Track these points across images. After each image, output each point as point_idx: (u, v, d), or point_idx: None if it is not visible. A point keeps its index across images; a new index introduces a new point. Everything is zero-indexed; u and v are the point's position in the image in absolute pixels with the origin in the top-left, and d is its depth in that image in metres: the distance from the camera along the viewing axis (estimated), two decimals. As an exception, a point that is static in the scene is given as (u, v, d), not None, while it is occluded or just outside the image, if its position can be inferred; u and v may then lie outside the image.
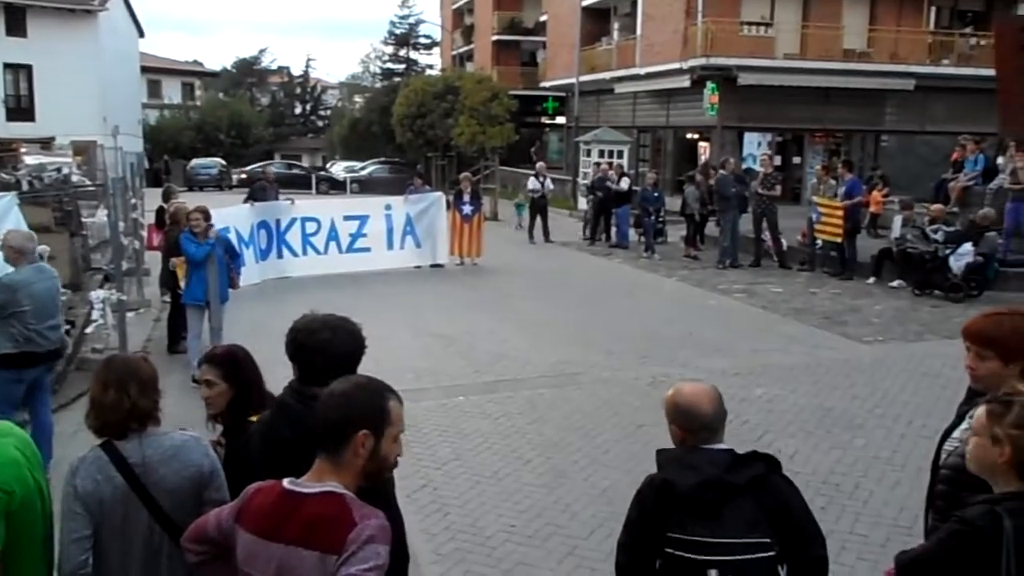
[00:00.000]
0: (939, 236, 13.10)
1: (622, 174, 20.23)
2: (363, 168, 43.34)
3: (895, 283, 13.67)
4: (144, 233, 13.18)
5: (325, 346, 2.93)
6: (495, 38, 48.30)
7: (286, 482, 2.37)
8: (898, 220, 15.26)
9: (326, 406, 2.39)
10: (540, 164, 21.57)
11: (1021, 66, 15.31)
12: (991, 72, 17.06)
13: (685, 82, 28.46)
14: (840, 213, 14.37)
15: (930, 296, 12.86)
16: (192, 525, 2.63)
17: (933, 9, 30.51)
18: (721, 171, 16.63)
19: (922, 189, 18.52)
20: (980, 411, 2.57)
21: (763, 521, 2.58)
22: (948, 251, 12.83)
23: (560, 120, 42.28)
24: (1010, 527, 2.36)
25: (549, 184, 20.63)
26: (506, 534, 5.46)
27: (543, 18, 43.49)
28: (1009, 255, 13.80)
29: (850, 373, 8.95)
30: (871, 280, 14.11)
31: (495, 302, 12.92)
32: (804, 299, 13.07)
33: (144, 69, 50.74)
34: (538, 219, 20.00)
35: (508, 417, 7.65)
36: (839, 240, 14.56)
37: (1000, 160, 15.75)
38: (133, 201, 13.04)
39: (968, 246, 12.76)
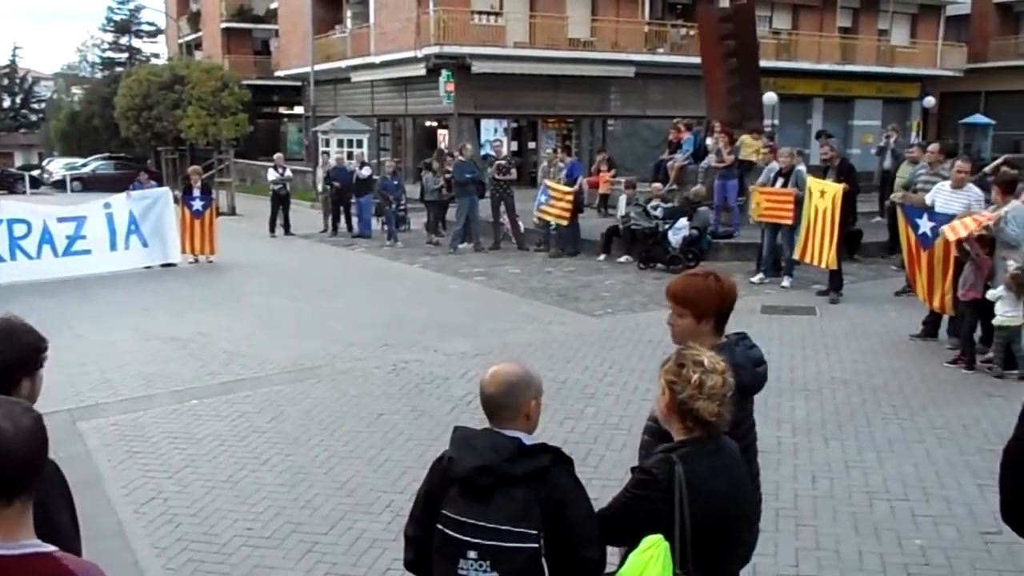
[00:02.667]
0: (658, 213, 14.03)
1: (362, 163, 20.08)
2: (85, 165, 40.22)
3: (623, 258, 14.50)
4: None
5: None
6: (224, 25, 46.37)
7: None
8: (623, 199, 16.20)
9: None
10: (278, 155, 20.97)
11: (722, 54, 16.70)
12: (699, 60, 18.50)
13: (421, 70, 28.70)
14: (569, 197, 15.01)
15: (653, 269, 13.74)
16: None
17: (648, 1, 32.55)
18: (459, 157, 16.88)
19: (646, 169, 19.79)
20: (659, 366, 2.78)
21: (534, 514, 2.56)
22: (667, 226, 13.77)
23: (299, 110, 41.33)
24: (681, 472, 2.56)
25: (288, 174, 20.08)
26: (243, 538, 5.25)
27: (274, 5, 42.26)
28: (720, 228, 15.04)
29: (582, 346, 9.39)
30: (601, 257, 14.88)
31: (231, 300, 12.41)
32: (540, 278, 13.56)
33: None
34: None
35: (245, 417, 7.36)
36: (564, 222, 15.21)
37: (709, 141, 17.10)
38: None
39: (684, 221, 13.75)
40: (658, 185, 15.25)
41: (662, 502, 2.57)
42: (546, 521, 2.56)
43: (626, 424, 6.95)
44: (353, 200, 19.05)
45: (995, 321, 8.07)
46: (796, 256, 11.73)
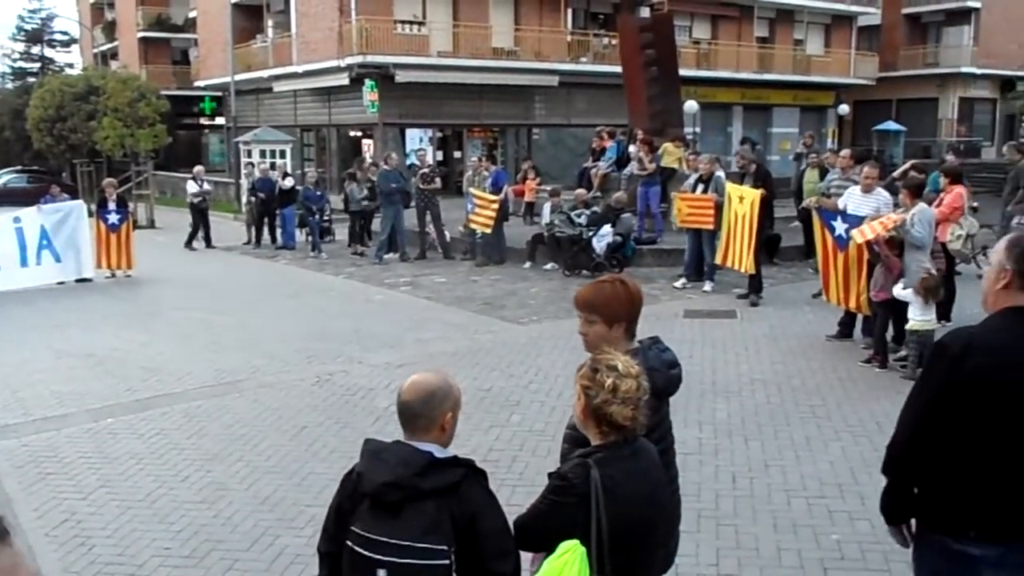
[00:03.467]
0: (582, 220, 14.15)
1: (285, 174, 19.82)
2: (-5, 178, 38.86)
3: (548, 266, 14.58)
4: None
5: None
6: (141, 35, 45.42)
7: None
8: (547, 207, 16.30)
9: None
10: (198, 168, 20.58)
11: (643, 63, 16.93)
12: (620, 69, 18.72)
13: (344, 80, 28.50)
14: (494, 205, 15.04)
15: (579, 276, 13.82)
16: None
17: (570, 11, 32.86)
18: (383, 166, 16.78)
19: (571, 177, 19.95)
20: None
21: (446, 528, 2.52)
22: (591, 233, 13.88)
23: (220, 121, 40.63)
24: (597, 476, 2.57)
25: (207, 187, 19.72)
26: (160, 559, 5.11)
27: (193, 14, 41.49)
28: (643, 234, 15.24)
29: (507, 354, 9.40)
30: (527, 265, 14.93)
31: (149, 314, 12.11)
32: (466, 287, 13.56)
33: None
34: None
35: (163, 434, 7.19)
36: (488, 230, 15.24)
37: (632, 148, 17.32)
38: None
39: (608, 228, 13.89)
40: (581, 191, 15.39)
41: (578, 507, 2.57)
42: (458, 535, 2.53)
43: (551, 431, 6.97)
44: (277, 211, 18.80)
45: (908, 325, 8.33)
46: (718, 261, 11.94)
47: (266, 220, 19.11)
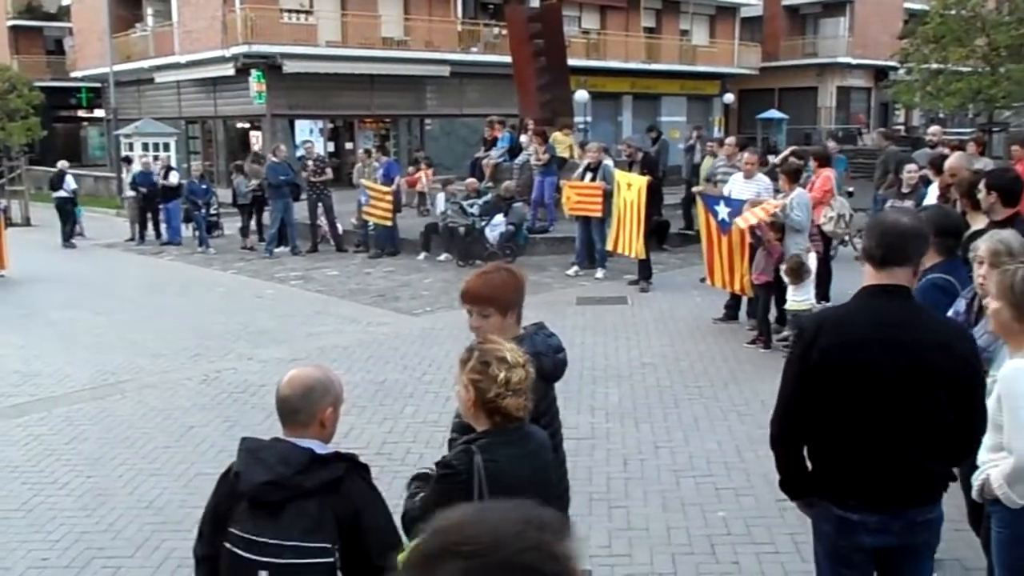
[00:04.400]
0: (475, 210, 14.15)
1: (168, 167, 19.18)
2: None
3: (442, 256, 14.53)
4: None
5: None
6: (11, 23, 43.26)
7: None
8: (441, 197, 16.26)
9: None
10: (62, 163, 19.77)
11: (532, 53, 17.01)
12: (510, 59, 18.76)
13: (229, 70, 27.76)
14: (389, 197, 14.92)
15: (472, 266, 13.78)
16: None
17: (460, 1, 32.76)
18: (271, 158, 16.43)
19: (464, 168, 19.92)
20: (459, 363, 2.78)
21: (329, 526, 2.49)
22: (484, 223, 13.91)
23: (100, 113, 39.09)
24: (480, 461, 2.59)
25: (71, 183, 18.90)
26: (37, 569, 4.91)
27: (67, 2, 39.73)
28: (536, 223, 15.34)
29: (401, 345, 9.35)
30: (421, 256, 14.85)
31: (25, 316, 11.56)
32: (359, 279, 13.41)
33: None
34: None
35: (40, 440, 6.89)
36: (388, 222, 15.12)
37: (523, 138, 17.41)
38: None
39: (500, 217, 13.94)
40: (472, 180, 15.38)
41: (463, 493, 2.56)
42: (342, 533, 2.50)
43: (445, 421, 6.89)
44: (161, 206, 18.20)
45: (786, 306, 8.63)
46: (608, 247, 12.12)
47: (149, 215, 18.48)
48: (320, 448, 2.60)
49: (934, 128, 13.67)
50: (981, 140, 12.71)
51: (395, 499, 5.53)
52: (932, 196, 8.07)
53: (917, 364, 2.87)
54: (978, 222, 5.33)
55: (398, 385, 7.98)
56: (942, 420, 2.90)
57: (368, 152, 17.68)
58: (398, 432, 6.83)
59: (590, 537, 5.02)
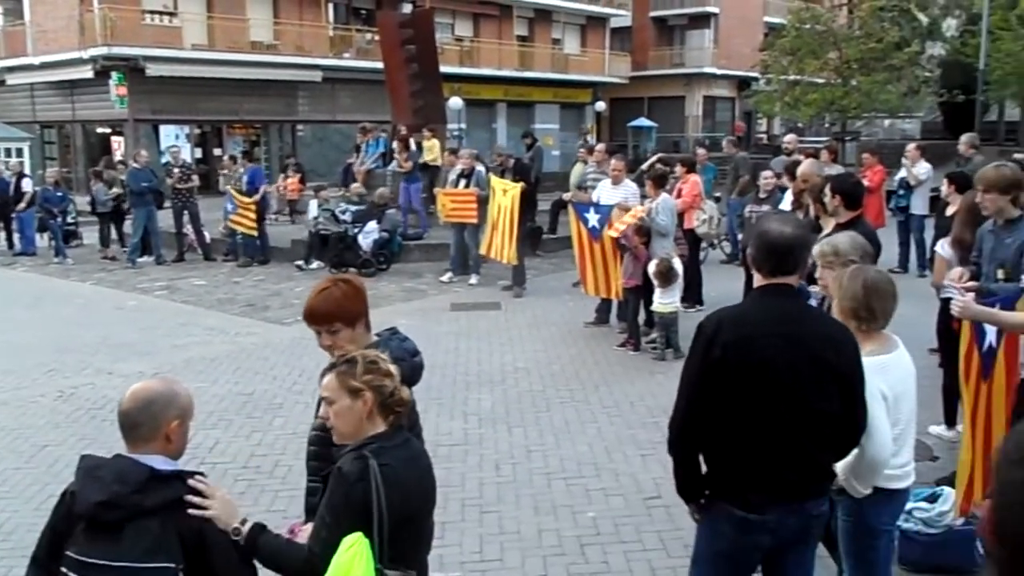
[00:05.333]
0: (347, 217, 13.97)
1: (20, 174, 18.18)
2: None
3: (314, 264, 14.26)
4: None
5: None
6: None
7: None
8: (313, 204, 15.98)
9: None
10: None
11: (404, 59, 16.89)
12: (383, 65, 18.57)
13: (88, 72, 26.62)
14: (252, 206, 14.59)
15: (346, 273, 13.63)
16: None
17: (331, 6, 32.38)
18: (133, 164, 15.79)
19: (337, 175, 19.65)
20: (328, 379, 2.73)
21: (172, 546, 2.37)
22: (356, 230, 13.74)
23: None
24: (375, 465, 2.54)
25: None
26: None
27: (-94, -2, 37.24)
28: (409, 230, 15.27)
29: (271, 356, 9.13)
30: (293, 264, 14.55)
31: None
32: (228, 289, 13.04)
33: None
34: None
35: None
36: (253, 233, 14.79)
37: (395, 144, 17.29)
38: None
39: (373, 224, 13.80)
40: (357, 185, 15.18)
41: (361, 501, 2.53)
42: (185, 552, 2.40)
43: (315, 431, 6.84)
44: (13, 215, 17.24)
45: (652, 308, 8.84)
46: (482, 251, 12.16)
47: (1, 224, 17.47)
48: (164, 464, 2.49)
49: (789, 136, 14.28)
50: (833, 148, 13.35)
51: (263, 512, 5.45)
52: (787, 201, 8.41)
53: (811, 359, 2.97)
54: (829, 225, 5.60)
55: (267, 396, 7.79)
56: (832, 414, 3.00)
57: (233, 159, 17.19)
58: (267, 445, 6.66)
59: (462, 543, 5.02)
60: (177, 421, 2.54)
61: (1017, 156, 9.76)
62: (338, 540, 2.48)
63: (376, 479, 2.54)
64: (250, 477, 6.09)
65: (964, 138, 11.81)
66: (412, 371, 3.24)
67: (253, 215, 14.57)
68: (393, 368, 2.71)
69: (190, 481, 2.55)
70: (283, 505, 5.59)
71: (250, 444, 6.69)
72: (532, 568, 4.78)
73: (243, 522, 2.61)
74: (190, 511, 2.46)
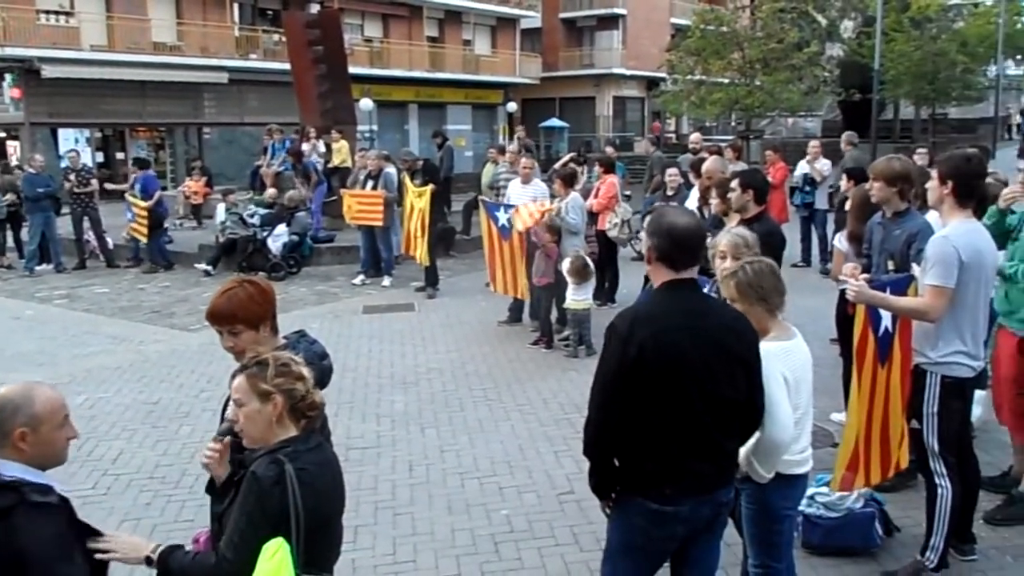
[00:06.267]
0: (256, 220, 13.71)
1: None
2: None
3: (211, 269, 13.86)
4: None
5: None
6: None
7: None
8: (220, 208, 15.64)
9: None
10: None
11: (311, 60, 16.66)
12: (290, 66, 18.28)
13: (-21, 74, 25.54)
14: (145, 212, 14.25)
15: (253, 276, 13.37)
16: None
17: (236, 6, 31.75)
18: (28, 169, 15.21)
19: (246, 178, 19.28)
20: (239, 381, 2.68)
21: None
22: (265, 233, 13.50)
23: None
24: (291, 470, 2.52)
25: None
26: None
27: None
28: (321, 232, 15.08)
29: (177, 363, 8.90)
30: (200, 269, 14.20)
31: None
32: (132, 296, 12.68)
33: None
34: None
35: None
36: (143, 239, 14.45)
37: (305, 146, 17.08)
38: None
39: (283, 227, 13.58)
40: (272, 191, 14.90)
41: (277, 506, 2.49)
42: (4, 570, 2.30)
43: (223, 439, 6.69)
44: None
45: (565, 305, 8.91)
46: (402, 251, 12.06)
47: None
48: (15, 472, 2.43)
49: (695, 135, 14.57)
50: (737, 146, 13.68)
51: (170, 523, 5.31)
52: (693, 198, 8.57)
53: (718, 349, 3.04)
54: (731, 220, 5.71)
55: (173, 404, 7.59)
56: (738, 401, 3.08)
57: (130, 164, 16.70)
58: (172, 454, 6.49)
59: (375, 547, 4.98)
60: (25, 429, 2.46)
61: (917, 156, 10.14)
62: (254, 546, 2.44)
63: (293, 483, 2.51)
64: (156, 488, 5.93)
65: (844, 136, 13.04)
66: (322, 374, 3.21)
67: (147, 220, 14.22)
68: (306, 371, 2.69)
69: (90, 544, 2.52)
70: (191, 515, 5.45)
71: (155, 454, 6.52)
72: (446, 568, 4.76)
73: (155, 549, 2.61)
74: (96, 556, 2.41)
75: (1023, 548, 4.75)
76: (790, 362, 3.41)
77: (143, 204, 14.27)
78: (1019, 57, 45.54)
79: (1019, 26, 37.74)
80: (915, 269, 4.47)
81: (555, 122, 41.67)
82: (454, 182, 17.37)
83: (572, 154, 16.97)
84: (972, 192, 4.30)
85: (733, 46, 32.19)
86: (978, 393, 5.22)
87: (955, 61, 33.97)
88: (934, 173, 4.37)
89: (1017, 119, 39.97)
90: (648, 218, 3.26)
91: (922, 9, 33.84)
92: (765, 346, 3.30)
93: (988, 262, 4.27)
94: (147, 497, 5.78)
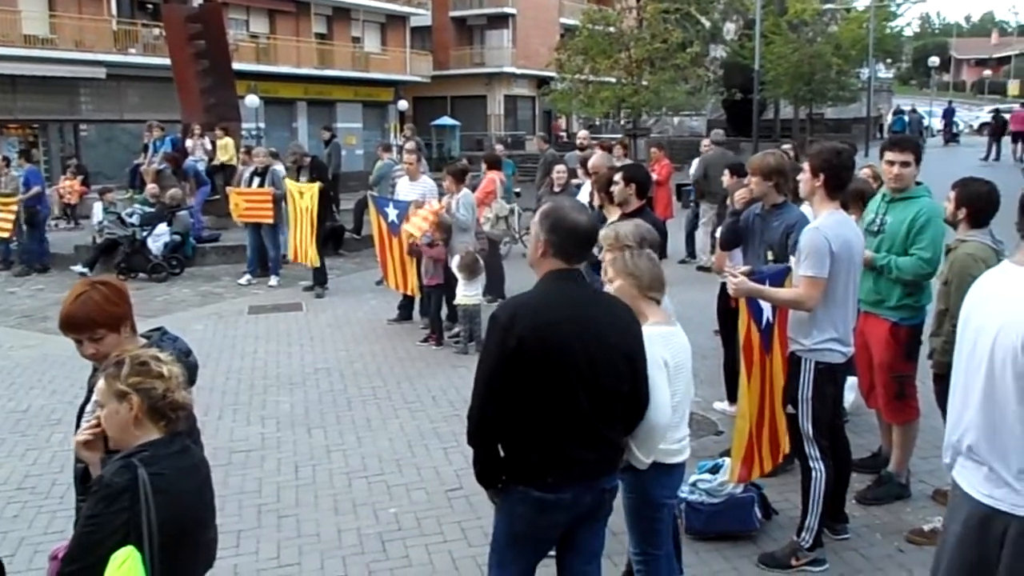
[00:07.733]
0: (135, 220, 13.23)
1: None
2: None
3: (84, 269, 13.30)
4: None
5: None
6: None
7: None
8: (98, 207, 15.08)
9: None
10: None
11: (193, 55, 16.24)
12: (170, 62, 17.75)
13: None
14: (12, 207, 13.60)
15: (135, 279, 12.90)
16: None
17: (114, -1, 30.60)
18: None
19: (125, 176, 18.59)
20: (100, 383, 2.56)
21: None
22: (146, 233, 13.04)
23: None
24: (145, 475, 2.40)
25: None
26: None
27: None
28: (205, 231, 14.66)
29: (49, 369, 8.51)
30: (76, 271, 13.60)
31: None
32: (2, 299, 12.08)
33: None
34: None
35: None
36: (6, 234, 13.81)
37: (188, 143, 16.59)
38: None
39: (164, 227, 13.14)
40: (153, 187, 14.37)
41: (128, 511, 2.36)
42: None
43: (99, 446, 6.42)
44: None
45: (456, 301, 8.88)
46: (290, 257, 11.80)
47: None
48: None
49: (583, 133, 14.77)
50: (623, 143, 13.90)
51: (39, 535, 5.08)
52: (584, 193, 8.65)
53: (601, 340, 3.05)
54: (612, 214, 5.79)
55: (44, 412, 7.25)
56: (621, 392, 3.11)
57: (7, 160, 15.89)
58: (43, 463, 6.20)
59: (259, 550, 4.86)
60: None
61: (785, 147, 10.48)
62: (100, 557, 2.32)
63: (146, 490, 2.39)
64: (24, 499, 5.66)
65: (712, 133, 14.13)
66: (189, 372, 3.10)
67: (12, 216, 13.56)
68: (168, 369, 2.56)
69: None
70: (61, 526, 5.20)
71: (24, 464, 6.21)
72: (332, 569, 4.68)
73: None
74: None
75: (892, 525, 4.96)
76: (670, 347, 3.47)
77: (9, 201, 13.59)
78: (889, 60, 47.75)
79: (888, 31, 39.49)
80: (792, 260, 4.61)
81: (447, 120, 41.58)
82: (344, 180, 17.17)
83: (468, 153, 16.97)
84: (842, 184, 4.46)
85: (620, 46, 32.75)
86: (850, 379, 5.44)
87: (830, 63, 35.33)
88: (806, 166, 4.50)
89: (889, 118, 41.83)
90: (538, 212, 3.25)
91: (798, 13, 35.10)
92: (647, 330, 3.34)
93: (856, 252, 4.43)
94: (15, 509, 5.51)
